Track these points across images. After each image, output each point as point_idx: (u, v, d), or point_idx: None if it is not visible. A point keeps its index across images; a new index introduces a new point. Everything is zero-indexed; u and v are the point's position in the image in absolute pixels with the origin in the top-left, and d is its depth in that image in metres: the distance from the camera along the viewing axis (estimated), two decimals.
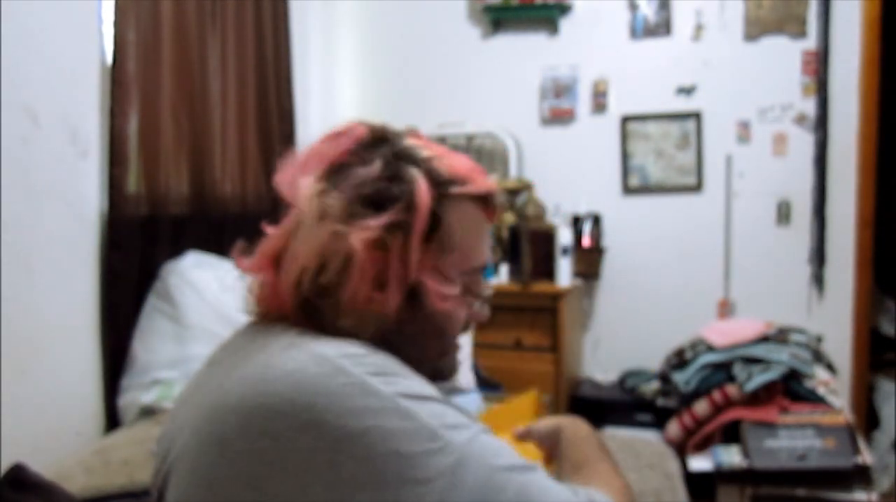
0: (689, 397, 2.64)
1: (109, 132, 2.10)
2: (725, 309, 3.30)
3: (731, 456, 2.46)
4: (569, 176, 3.38)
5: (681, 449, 2.55)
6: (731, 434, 2.53)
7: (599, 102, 3.40)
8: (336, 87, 3.58)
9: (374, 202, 0.76)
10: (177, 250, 2.31)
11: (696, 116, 3.31)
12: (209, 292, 2.20)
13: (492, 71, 3.50)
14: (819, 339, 2.89)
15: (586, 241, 3.22)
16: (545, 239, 3.08)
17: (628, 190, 3.39)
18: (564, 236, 3.05)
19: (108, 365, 2.11)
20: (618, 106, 3.39)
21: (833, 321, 3.18)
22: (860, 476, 2.44)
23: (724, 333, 2.78)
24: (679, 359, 2.79)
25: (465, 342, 2.52)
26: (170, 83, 2.33)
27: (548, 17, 3.41)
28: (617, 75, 3.38)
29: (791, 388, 2.56)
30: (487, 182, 0.85)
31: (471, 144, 3.36)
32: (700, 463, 2.52)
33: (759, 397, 2.52)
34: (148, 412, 2.03)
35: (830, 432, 2.44)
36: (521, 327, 3.01)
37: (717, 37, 3.28)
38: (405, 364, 0.74)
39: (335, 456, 0.64)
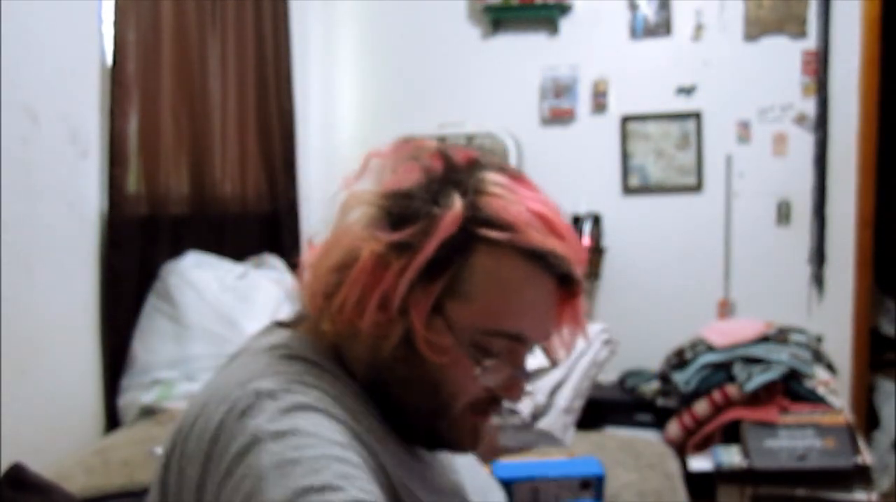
0: (689, 397, 2.64)
1: (109, 132, 2.10)
2: (725, 309, 3.30)
3: (731, 456, 2.45)
4: (569, 176, 3.38)
5: (681, 449, 2.55)
6: (731, 434, 2.53)
7: (599, 102, 3.40)
8: (336, 87, 3.58)
9: (398, 216, 0.71)
10: (177, 250, 2.31)
11: (696, 116, 3.30)
12: (209, 292, 2.20)
13: (492, 71, 3.49)
14: (819, 339, 2.89)
15: (586, 241, 3.22)
16: None
17: (628, 190, 3.39)
18: None
19: (108, 365, 2.11)
20: (618, 106, 3.38)
21: (833, 321, 3.18)
22: (860, 476, 2.43)
23: (724, 333, 2.78)
24: (679, 359, 2.79)
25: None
26: (170, 83, 2.33)
27: (548, 17, 3.41)
28: (617, 75, 3.38)
29: (791, 388, 2.56)
30: (549, 242, 0.71)
31: (471, 144, 3.36)
32: (700, 463, 2.51)
33: (759, 397, 2.52)
34: (148, 412, 2.03)
35: (830, 432, 2.44)
36: None
37: (717, 37, 3.28)
38: (398, 404, 0.73)
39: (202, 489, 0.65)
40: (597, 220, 3.27)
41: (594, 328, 1.73)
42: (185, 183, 2.44)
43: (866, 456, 2.42)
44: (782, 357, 2.58)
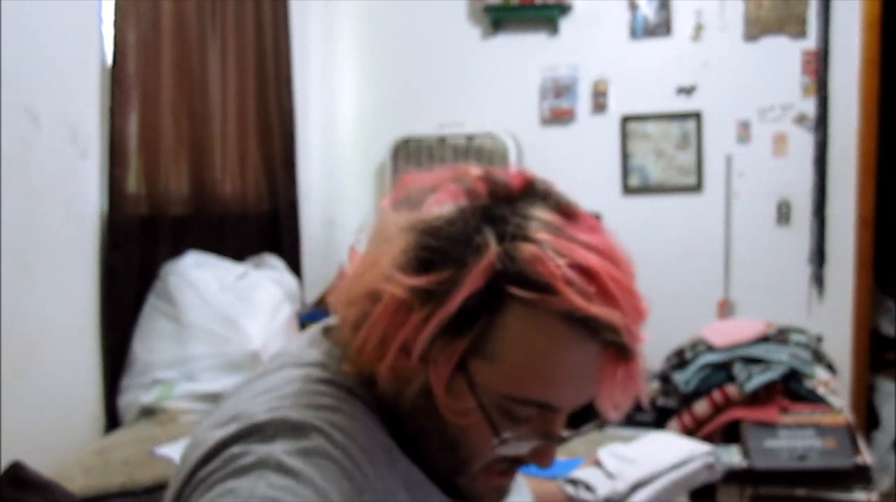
0: (689, 397, 2.64)
1: (109, 132, 2.10)
2: (725, 309, 3.30)
3: (731, 456, 2.45)
4: (569, 176, 3.35)
5: None
6: (731, 434, 2.53)
7: (599, 102, 3.40)
8: (336, 87, 3.58)
9: (427, 257, 0.64)
10: (177, 250, 2.31)
11: (696, 116, 3.31)
12: (209, 292, 2.20)
13: (492, 71, 3.49)
14: (819, 339, 2.89)
15: None
16: None
17: (628, 190, 3.39)
18: None
19: (108, 365, 2.11)
20: (618, 106, 3.38)
21: (833, 321, 3.18)
22: (860, 476, 2.43)
23: (724, 333, 2.78)
24: (679, 359, 2.79)
25: None
26: (170, 83, 2.33)
27: (548, 17, 3.41)
28: (617, 75, 3.38)
29: (791, 388, 2.56)
30: (592, 306, 0.62)
31: (471, 144, 3.36)
32: None
33: (759, 397, 2.52)
34: (148, 412, 2.03)
35: (830, 432, 2.44)
36: None
37: (717, 37, 3.28)
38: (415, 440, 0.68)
39: None
40: (597, 220, 3.26)
41: (701, 447, 1.68)
42: (185, 183, 2.44)
43: (866, 456, 2.42)
44: (782, 357, 2.58)
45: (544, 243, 0.63)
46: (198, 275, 2.23)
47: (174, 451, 1.72)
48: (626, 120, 3.37)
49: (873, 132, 3.15)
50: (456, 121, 3.41)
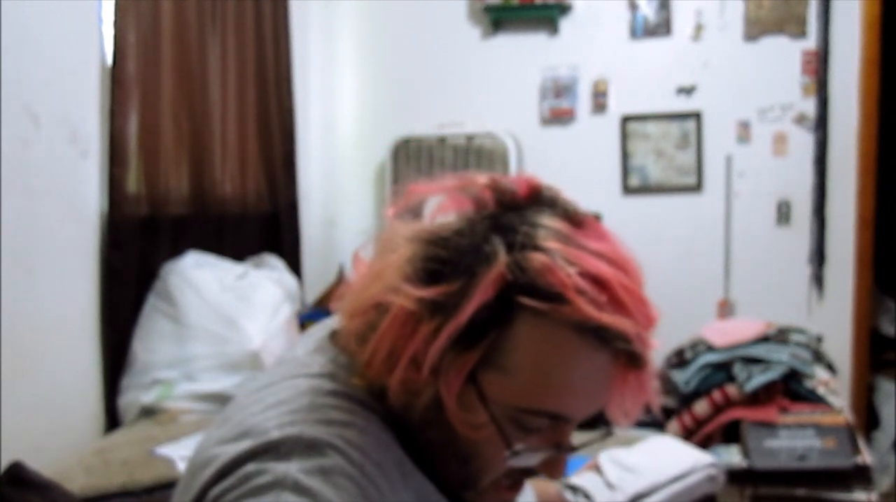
0: (689, 397, 2.64)
1: (109, 132, 2.10)
2: (725, 309, 3.30)
3: (731, 456, 2.45)
4: (569, 176, 3.37)
5: None
6: (731, 434, 2.53)
7: (599, 102, 3.40)
8: (336, 87, 3.58)
9: (434, 268, 0.63)
10: (177, 250, 2.31)
11: (696, 116, 3.31)
12: (209, 292, 2.20)
13: (492, 71, 3.49)
14: (819, 339, 2.89)
15: None
16: None
17: (628, 190, 3.39)
18: None
19: (108, 365, 2.11)
20: (618, 106, 3.38)
21: (833, 321, 3.18)
22: (860, 476, 2.43)
23: (724, 333, 2.78)
24: (679, 359, 2.79)
25: None
26: (170, 83, 2.33)
27: (548, 17, 3.41)
28: (617, 75, 3.38)
29: (791, 388, 2.56)
30: (603, 315, 0.61)
31: (471, 144, 3.36)
32: None
33: (758, 397, 2.52)
34: (148, 412, 2.03)
35: (830, 432, 2.44)
36: None
37: (717, 37, 3.28)
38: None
39: None
40: (597, 220, 3.26)
41: (703, 458, 1.67)
42: (185, 183, 2.44)
43: (866, 456, 2.42)
44: (782, 357, 2.58)
45: (554, 252, 0.62)
46: (198, 275, 2.23)
47: (174, 451, 1.72)
48: (626, 120, 3.37)
49: (873, 132, 3.15)
50: (456, 121, 3.41)
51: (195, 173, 2.48)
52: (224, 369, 2.09)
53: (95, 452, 1.77)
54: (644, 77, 3.34)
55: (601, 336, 0.62)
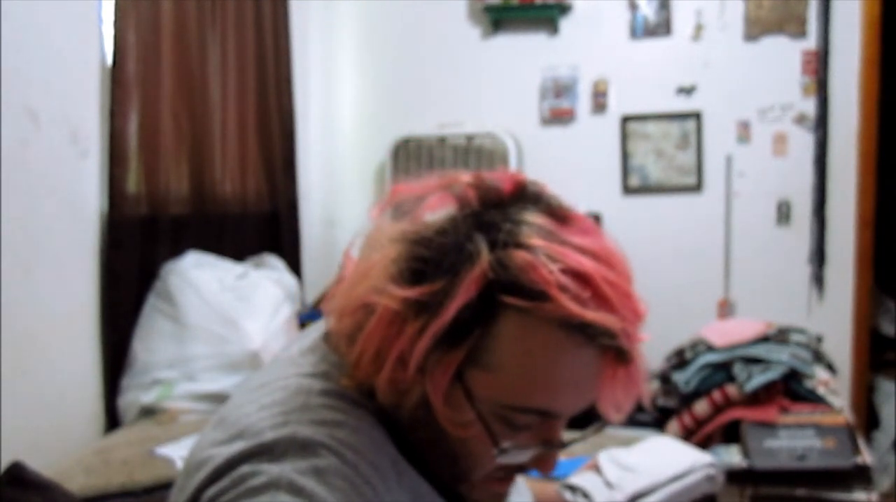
0: (689, 397, 2.64)
1: (109, 132, 2.10)
2: (725, 309, 3.30)
3: (731, 456, 2.45)
4: (569, 176, 3.38)
5: None
6: (731, 434, 2.53)
7: (599, 102, 3.40)
8: (336, 87, 3.58)
9: (418, 268, 0.63)
10: (177, 250, 2.31)
11: (696, 116, 3.31)
12: (209, 292, 2.20)
13: (492, 71, 3.49)
14: (819, 339, 2.89)
15: None
16: None
17: (628, 190, 3.39)
18: None
19: (108, 365, 2.11)
20: (618, 106, 3.39)
21: (833, 321, 3.18)
22: (860, 476, 2.43)
23: (724, 333, 2.78)
24: (679, 359, 2.79)
25: None
26: (170, 83, 2.33)
27: (548, 17, 3.41)
28: (617, 75, 3.38)
29: (791, 388, 2.56)
30: (587, 311, 0.61)
31: (471, 144, 3.36)
32: None
33: (759, 397, 2.52)
34: (148, 412, 2.03)
35: (830, 432, 2.44)
36: None
37: (717, 37, 3.28)
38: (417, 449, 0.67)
39: None
40: (597, 220, 3.27)
41: (702, 458, 1.67)
42: (185, 183, 2.44)
43: (866, 456, 2.42)
44: (782, 357, 2.58)
45: (537, 249, 0.62)
46: (198, 275, 2.23)
47: (174, 451, 1.72)
48: (626, 120, 3.37)
49: (873, 132, 3.15)
50: (456, 121, 3.41)
51: (195, 173, 2.48)
52: (224, 369, 2.09)
53: (95, 452, 1.77)
54: (644, 77, 3.34)
55: (586, 332, 0.62)
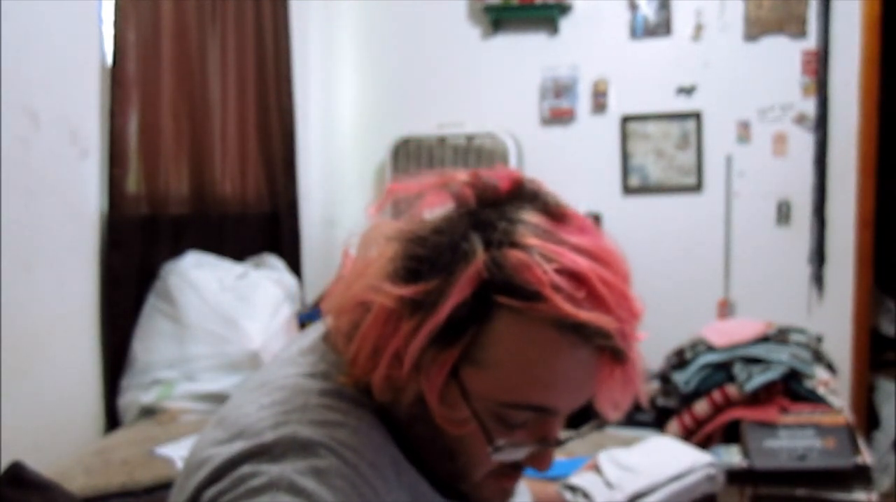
0: (689, 397, 2.64)
1: (109, 132, 2.10)
2: (725, 309, 3.30)
3: (731, 456, 2.45)
4: (569, 176, 3.38)
5: None
6: (731, 434, 2.53)
7: (599, 102, 3.40)
8: (336, 87, 3.58)
9: (414, 266, 0.64)
10: (177, 250, 2.31)
11: (696, 116, 3.31)
12: (209, 292, 2.20)
13: (492, 71, 3.49)
14: (819, 339, 2.89)
15: None
16: None
17: (628, 190, 3.39)
18: None
19: (108, 365, 2.11)
20: (618, 106, 3.39)
21: (833, 321, 3.18)
22: (860, 476, 2.43)
23: (724, 333, 2.77)
24: (679, 359, 2.79)
25: None
26: (170, 83, 2.33)
27: (548, 17, 3.41)
28: (617, 75, 3.38)
29: (791, 388, 2.56)
30: (581, 311, 0.61)
31: (471, 144, 3.36)
32: None
33: (759, 397, 2.52)
34: (148, 412, 2.03)
35: (830, 432, 2.44)
36: None
37: (717, 37, 3.28)
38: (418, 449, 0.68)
39: None
40: (597, 220, 3.27)
41: (702, 458, 1.67)
42: (185, 183, 2.44)
43: (866, 456, 2.42)
44: (782, 357, 2.57)
45: (532, 248, 0.62)
46: (198, 275, 2.23)
47: (174, 451, 1.72)
48: (626, 120, 3.37)
49: (873, 132, 3.15)
50: (456, 121, 3.41)
51: (195, 173, 2.48)
52: (224, 369, 2.09)
53: (95, 452, 1.78)
54: (644, 77, 3.34)
55: (580, 332, 0.61)
